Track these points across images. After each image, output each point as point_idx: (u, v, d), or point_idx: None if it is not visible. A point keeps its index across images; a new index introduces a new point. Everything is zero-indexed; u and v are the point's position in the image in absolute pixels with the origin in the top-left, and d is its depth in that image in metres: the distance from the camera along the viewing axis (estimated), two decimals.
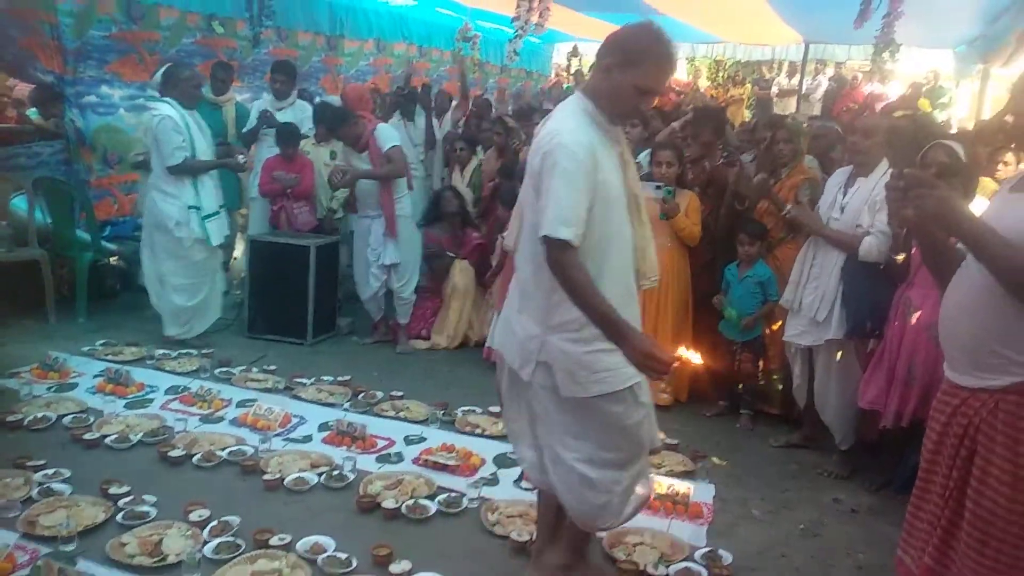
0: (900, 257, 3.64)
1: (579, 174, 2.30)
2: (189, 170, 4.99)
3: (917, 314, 3.37)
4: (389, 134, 5.25)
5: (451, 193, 5.81)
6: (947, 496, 2.10)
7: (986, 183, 4.15)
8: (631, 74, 2.35)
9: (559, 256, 2.29)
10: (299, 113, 6.10)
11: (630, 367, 2.32)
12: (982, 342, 1.99)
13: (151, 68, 6.91)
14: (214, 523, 3.05)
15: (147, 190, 5.22)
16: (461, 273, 5.70)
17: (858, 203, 3.66)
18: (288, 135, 5.72)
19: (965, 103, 11.08)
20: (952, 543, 2.09)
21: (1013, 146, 4.75)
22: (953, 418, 2.10)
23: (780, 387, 4.38)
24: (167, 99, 5.01)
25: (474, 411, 4.43)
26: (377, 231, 5.34)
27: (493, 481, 3.62)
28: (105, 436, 3.78)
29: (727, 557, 3.02)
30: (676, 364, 2.44)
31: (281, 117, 5.97)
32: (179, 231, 4.99)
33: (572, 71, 12.94)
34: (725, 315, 4.38)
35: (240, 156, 5.53)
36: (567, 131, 2.35)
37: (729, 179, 4.76)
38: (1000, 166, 4.55)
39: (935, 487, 2.16)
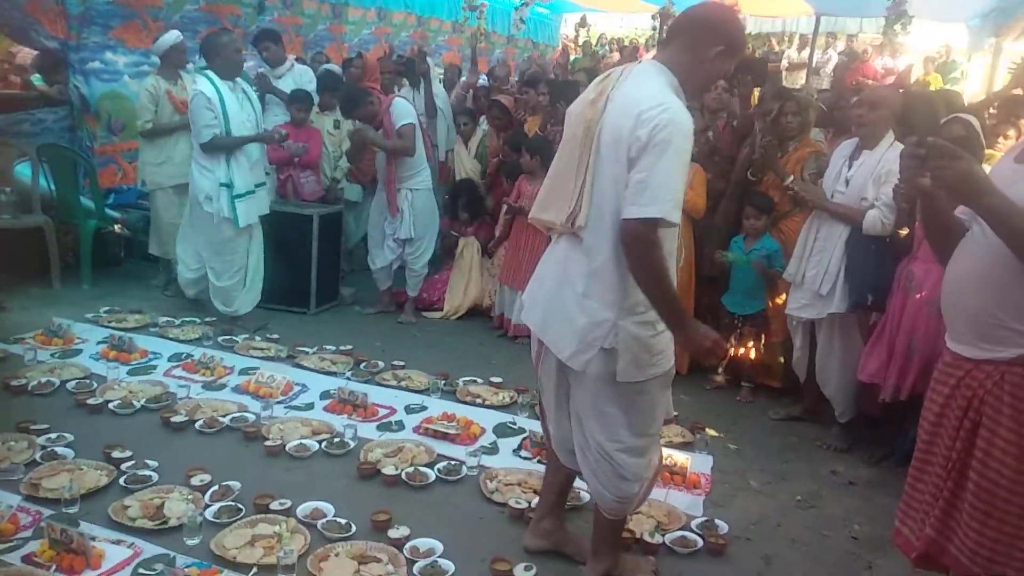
0: (903, 231, 3.62)
1: (687, 154, 2.23)
2: (220, 147, 4.77)
3: (919, 288, 3.36)
4: (404, 110, 5.21)
5: (469, 185, 5.85)
6: (950, 468, 2.11)
7: (988, 155, 4.12)
8: (728, 63, 2.37)
9: (651, 237, 2.19)
10: (300, 78, 6.02)
11: (671, 348, 2.37)
12: (989, 313, 1.99)
13: (154, 34, 6.87)
14: (215, 488, 3.08)
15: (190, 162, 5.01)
16: (468, 247, 5.74)
17: (863, 176, 3.63)
18: (302, 99, 5.68)
19: (977, 77, 10.93)
20: (954, 514, 2.11)
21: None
22: (956, 390, 2.10)
23: (782, 360, 4.37)
24: (206, 72, 4.78)
25: (475, 381, 4.44)
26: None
27: (492, 450, 3.65)
28: (108, 402, 3.81)
29: (723, 527, 3.05)
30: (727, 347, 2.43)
31: (281, 84, 5.91)
32: (208, 206, 4.83)
33: (580, 42, 12.80)
34: (731, 260, 4.37)
35: (283, 129, 5.31)
36: (677, 107, 2.21)
37: (741, 148, 4.71)
38: (1000, 139, 4.50)
39: (937, 459, 2.16)
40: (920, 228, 3.28)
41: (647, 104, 2.21)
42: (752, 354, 4.48)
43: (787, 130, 4.41)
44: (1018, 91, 5.19)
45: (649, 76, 2.32)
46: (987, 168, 2.25)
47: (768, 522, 3.20)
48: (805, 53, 11.66)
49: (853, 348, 3.76)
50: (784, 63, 12.38)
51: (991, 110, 4.93)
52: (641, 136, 2.18)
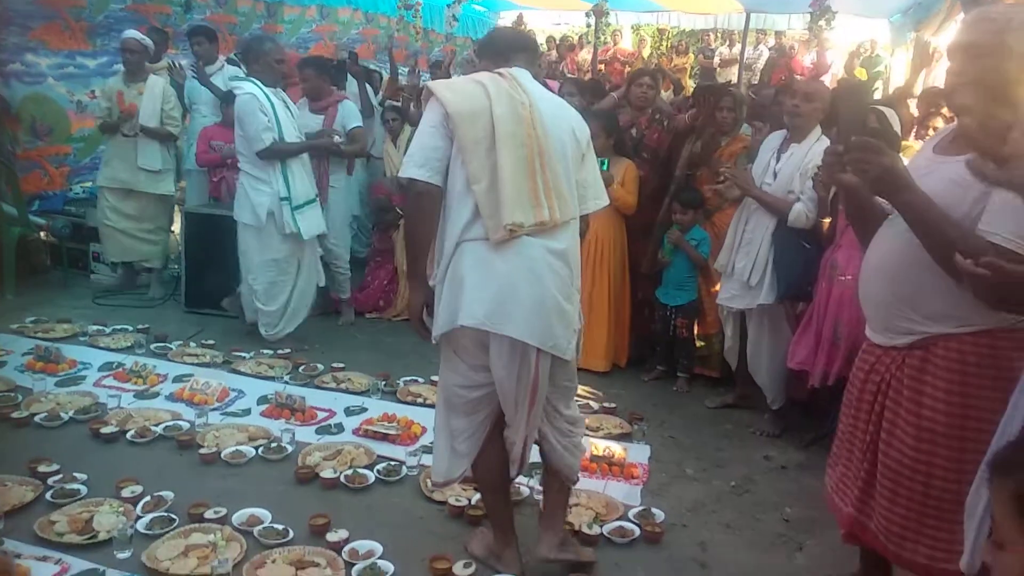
0: (826, 221, 3.74)
1: None
2: (278, 154, 4.51)
3: (843, 275, 3.47)
4: (355, 113, 5.34)
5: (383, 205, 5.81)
6: (865, 450, 2.23)
7: (914, 147, 4.28)
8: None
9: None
10: (228, 79, 5.92)
11: None
12: (894, 303, 2.11)
13: (78, 35, 6.68)
14: (147, 499, 3.01)
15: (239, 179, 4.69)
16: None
17: (791, 169, 3.73)
18: (232, 99, 5.57)
19: (900, 71, 11.32)
20: (871, 492, 2.21)
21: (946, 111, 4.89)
22: (869, 375, 2.22)
23: (718, 349, 4.47)
24: (251, 77, 4.60)
25: (416, 381, 4.44)
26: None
27: (433, 449, 3.64)
28: (34, 414, 3.69)
29: (659, 515, 3.11)
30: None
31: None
32: (269, 223, 4.53)
33: None
34: (666, 252, 4.51)
35: (336, 136, 5.01)
36: None
37: (677, 144, 4.78)
38: (931, 130, 4.69)
39: (856, 442, 2.27)
40: (843, 217, 3.40)
41: (571, 111, 2.64)
42: (685, 344, 4.57)
43: (722, 125, 4.51)
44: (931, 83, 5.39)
45: (540, 84, 2.64)
46: (905, 160, 2.35)
47: (703, 508, 3.27)
48: (736, 49, 11.89)
49: (782, 337, 3.86)
50: (716, 59, 12.63)
51: (908, 101, 5.12)
52: (582, 140, 2.57)
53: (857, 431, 2.28)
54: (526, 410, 2.49)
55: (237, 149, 4.64)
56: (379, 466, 3.40)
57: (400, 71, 7.84)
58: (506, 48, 2.67)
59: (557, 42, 13.47)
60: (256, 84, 4.53)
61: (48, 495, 3.01)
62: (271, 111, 4.47)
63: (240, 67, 6.24)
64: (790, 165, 3.74)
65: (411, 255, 2.58)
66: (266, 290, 4.68)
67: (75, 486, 3.08)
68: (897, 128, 3.70)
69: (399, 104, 6.28)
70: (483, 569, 2.71)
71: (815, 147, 3.65)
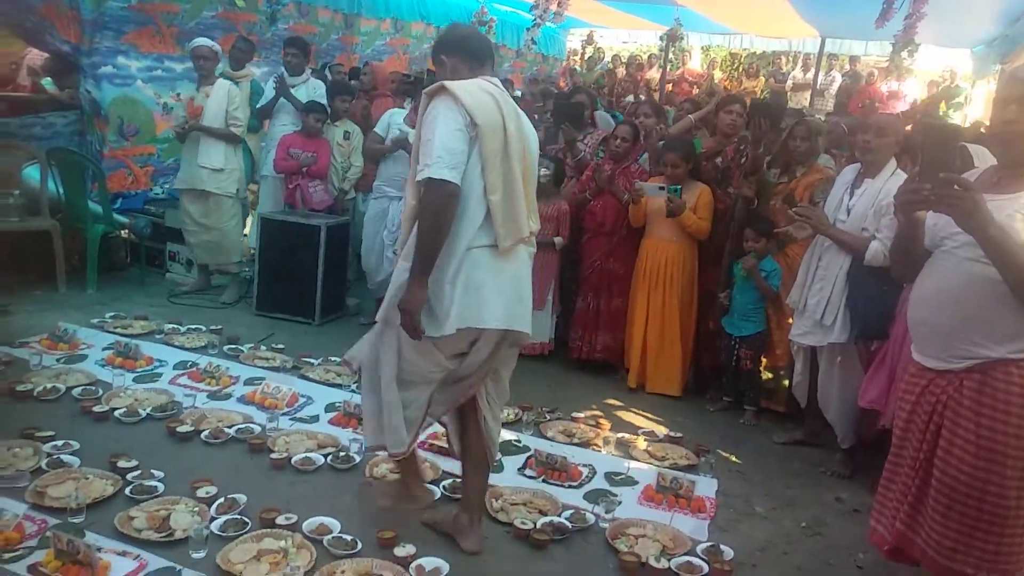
0: None
1: None
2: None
3: None
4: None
5: None
6: (917, 468, 2.37)
7: None
8: None
9: None
10: (312, 92, 6.07)
11: None
12: (963, 330, 2.23)
13: (168, 40, 6.92)
14: (221, 500, 3.08)
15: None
16: None
17: (864, 205, 3.62)
18: (319, 109, 5.72)
19: (980, 103, 11.00)
20: (921, 510, 2.37)
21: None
22: (922, 397, 2.35)
23: (785, 383, 4.38)
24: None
25: None
26: (397, 213, 5.32)
27: (497, 468, 3.60)
28: (114, 409, 3.81)
29: (728, 552, 3.05)
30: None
31: (294, 94, 5.94)
32: None
33: (586, 57, 12.87)
34: (737, 276, 4.42)
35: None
36: None
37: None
38: None
39: (906, 460, 2.41)
40: None
41: (531, 126, 2.85)
42: (751, 376, 4.48)
43: (794, 154, 4.42)
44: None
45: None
46: None
47: (774, 549, 3.20)
48: (810, 74, 11.71)
49: (853, 375, 3.76)
50: (789, 83, 12.45)
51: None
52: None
53: (906, 450, 2.42)
54: (475, 378, 2.85)
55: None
56: (445, 482, 3.41)
57: None
58: (482, 54, 2.78)
59: (625, 61, 13.45)
60: None
61: (127, 490, 3.10)
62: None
63: (325, 80, 6.38)
64: (864, 201, 3.63)
65: (428, 253, 2.56)
66: None
67: (152, 483, 3.16)
68: (983, 165, 3.58)
69: None
70: None
71: (890, 182, 3.54)
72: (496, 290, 2.65)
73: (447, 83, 2.58)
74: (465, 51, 2.74)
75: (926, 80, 11.19)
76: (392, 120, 5.24)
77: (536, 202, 2.83)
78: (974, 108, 11.12)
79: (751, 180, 4.49)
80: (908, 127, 5.53)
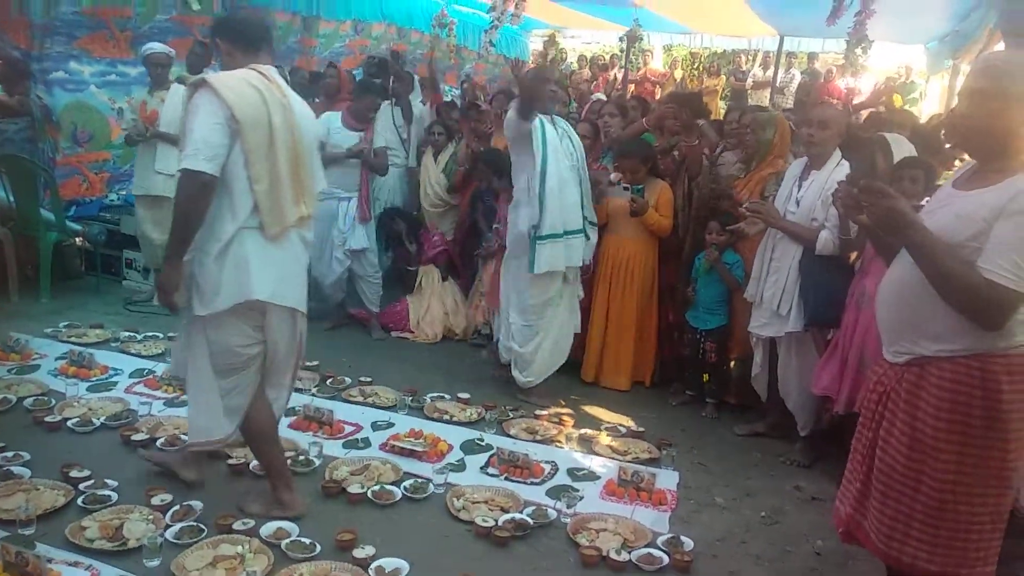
0: (853, 256, 3.69)
1: None
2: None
3: (871, 303, 3.42)
4: (383, 133, 5.53)
5: (387, 217, 5.78)
6: (864, 454, 2.45)
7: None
8: None
9: None
10: None
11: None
12: (898, 325, 2.31)
13: (121, 44, 6.81)
14: (176, 507, 3.03)
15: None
16: (426, 275, 5.75)
17: (812, 196, 3.70)
18: None
19: (935, 98, 11.24)
20: (867, 494, 2.42)
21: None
22: (876, 386, 2.42)
23: (739, 374, 4.42)
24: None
25: (443, 397, 4.43)
26: (346, 214, 5.30)
27: (460, 467, 3.64)
28: (67, 419, 3.73)
29: (688, 543, 3.07)
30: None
31: None
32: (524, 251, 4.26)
33: (549, 58, 12.90)
34: (700, 270, 4.45)
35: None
36: None
37: (703, 161, 4.77)
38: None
39: (860, 446, 2.48)
40: (870, 246, 3.37)
41: (311, 112, 3.04)
42: (716, 369, 4.52)
43: (748, 147, 4.48)
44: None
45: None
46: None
47: (733, 538, 3.22)
48: (770, 72, 11.86)
49: (810, 363, 3.80)
50: (749, 81, 12.60)
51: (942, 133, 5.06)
52: (318, 138, 3.19)
53: (861, 437, 2.47)
54: (293, 363, 3.07)
55: (513, 174, 4.38)
56: (406, 483, 3.40)
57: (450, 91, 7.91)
58: (258, 40, 2.88)
59: (589, 61, 13.51)
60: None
61: (80, 500, 3.04)
62: (542, 135, 4.18)
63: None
64: (811, 192, 3.71)
65: (181, 238, 2.75)
66: (521, 330, 4.40)
67: (106, 492, 3.11)
68: (903, 154, 3.66)
69: (447, 122, 6.26)
70: None
71: (835, 173, 3.62)
72: (263, 266, 2.81)
73: (209, 77, 2.74)
74: (240, 37, 2.86)
75: (882, 76, 11.38)
76: (330, 124, 5.20)
77: (313, 188, 2.98)
78: (929, 103, 11.37)
79: (712, 174, 4.54)
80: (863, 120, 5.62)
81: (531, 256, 4.21)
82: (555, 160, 4.20)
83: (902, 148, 3.69)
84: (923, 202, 2.89)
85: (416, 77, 6.78)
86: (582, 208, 4.38)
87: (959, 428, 2.17)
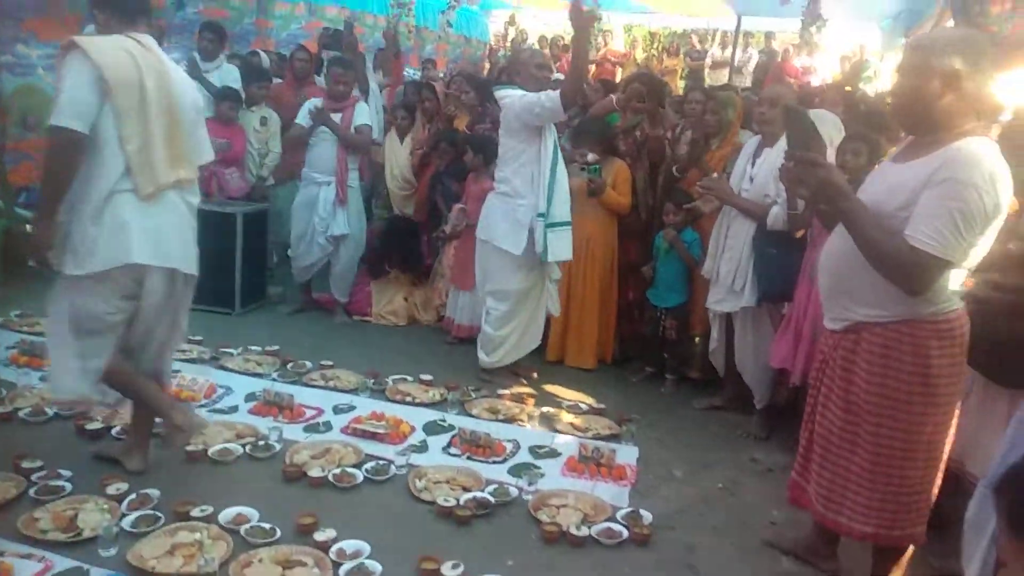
0: (800, 232, 3.75)
1: None
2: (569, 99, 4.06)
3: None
4: (365, 113, 5.35)
5: (411, 230, 5.75)
6: (807, 420, 2.59)
7: None
8: None
9: None
10: (225, 76, 5.91)
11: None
12: (835, 293, 2.41)
13: (71, 26, 6.60)
14: (132, 496, 2.98)
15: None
16: (396, 277, 5.76)
17: (765, 173, 3.75)
18: (232, 96, 5.57)
19: (888, 76, 11.39)
20: (811, 457, 2.54)
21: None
22: (818, 355, 2.54)
23: (701, 350, 4.48)
24: (512, 86, 4.30)
25: (405, 379, 4.42)
26: (327, 199, 5.24)
27: (422, 448, 3.64)
28: (18, 409, 3.65)
29: (647, 517, 3.11)
30: None
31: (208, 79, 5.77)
32: (529, 243, 4.19)
33: (509, 39, 12.84)
34: (660, 249, 4.50)
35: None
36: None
37: (665, 148, 4.82)
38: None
39: (806, 413, 2.63)
40: (818, 220, 3.43)
41: (190, 80, 3.18)
42: (676, 346, 4.58)
43: (707, 127, 4.51)
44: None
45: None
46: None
47: (691, 511, 3.28)
48: (728, 52, 11.94)
49: (765, 337, 3.88)
50: (708, 61, 12.67)
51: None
52: (197, 107, 3.12)
53: (807, 405, 2.60)
54: (169, 322, 3.10)
55: (500, 162, 4.34)
56: (367, 465, 3.39)
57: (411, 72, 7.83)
58: (135, 11, 2.92)
59: (549, 42, 13.47)
60: (524, 93, 4.17)
61: (32, 492, 2.98)
62: None
63: (238, 65, 6.19)
64: (764, 169, 3.77)
65: (51, 195, 2.79)
66: (499, 316, 4.41)
67: (59, 483, 3.05)
68: (833, 132, 3.75)
69: (409, 102, 6.19)
70: (471, 569, 2.70)
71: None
72: (142, 229, 2.85)
73: (77, 39, 2.76)
74: (118, 7, 2.90)
75: (838, 56, 11.52)
76: (312, 110, 5.14)
77: (194, 154, 3.05)
78: (883, 82, 11.53)
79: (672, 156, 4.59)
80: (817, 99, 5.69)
81: (542, 245, 4.16)
82: (557, 148, 4.22)
83: (825, 123, 3.78)
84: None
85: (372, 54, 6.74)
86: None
87: (891, 392, 2.27)
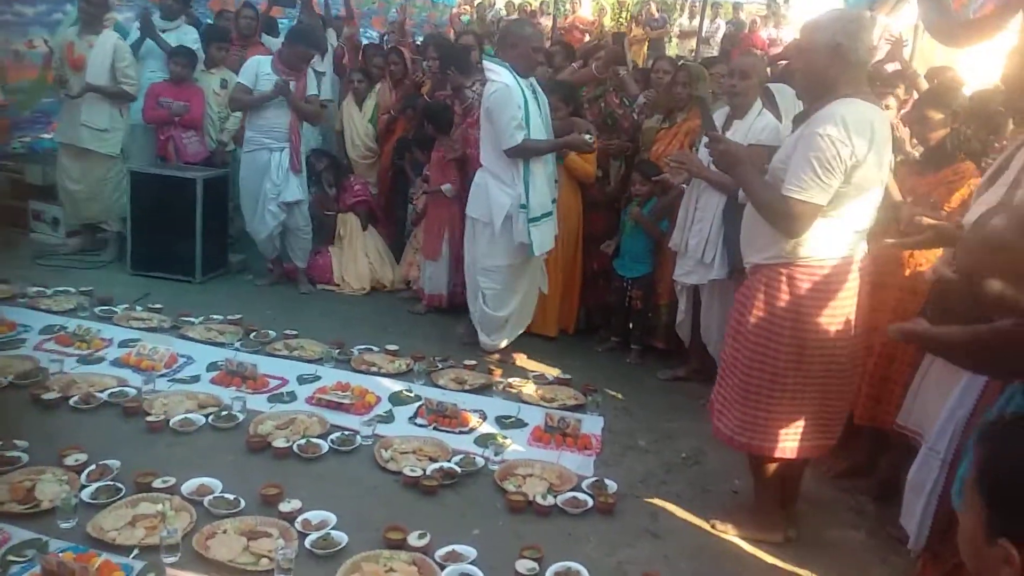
0: None
1: None
2: (526, 153, 4.05)
3: None
4: (314, 83, 5.27)
5: (313, 156, 5.61)
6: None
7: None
8: None
9: None
10: (183, 37, 5.73)
11: None
12: (744, 241, 2.80)
13: None
14: (92, 467, 2.94)
15: (480, 175, 4.26)
16: (344, 224, 5.62)
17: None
18: (184, 54, 5.40)
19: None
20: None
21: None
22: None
23: (666, 320, 4.51)
24: (503, 62, 4.09)
25: (371, 349, 4.39)
26: (279, 165, 5.12)
27: (388, 418, 3.63)
28: None
29: (612, 486, 3.15)
30: None
31: (163, 38, 5.60)
32: (504, 228, 4.14)
33: (475, 3, 12.64)
34: (626, 223, 4.53)
35: (587, 135, 4.23)
36: None
37: (632, 118, 4.81)
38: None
39: None
40: None
41: None
42: (641, 316, 4.60)
43: (676, 99, 4.50)
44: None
45: None
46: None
47: (654, 479, 3.33)
48: (696, 22, 11.89)
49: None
50: (676, 30, 12.63)
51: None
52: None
53: None
54: None
55: (482, 143, 4.23)
56: (333, 436, 3.37)
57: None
58: None
59: (517, 8, 13.30)
60: (512, 74, 4.04)
61: None
62: (524, 106, 4.01)
63: (197, 29, 5.99)
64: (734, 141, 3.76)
65: None
66: (496, 295, 4.33)
67: (15, 453, 2.99)
68: (790, 104, 3.89)
69: (365, 67, 6.07)
70: (437, 538, 2.71)
71: (756, 122, 3.69)
72: None
73: None
74: None
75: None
76: (260, 69, 5.01)
77: None
78: None
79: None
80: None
81: (527, 239, 4.10)
82: (536, 136, 4.09)
83: (784, 96, 3.82)
84: None
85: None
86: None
87: (767, 321, 2.63)
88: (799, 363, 2.61)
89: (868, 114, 2.46)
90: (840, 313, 2.60)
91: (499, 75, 4.02)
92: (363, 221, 5.64)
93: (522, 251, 4.21)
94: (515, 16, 12.80)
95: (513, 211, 4.11)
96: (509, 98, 3.97)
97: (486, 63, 4.23)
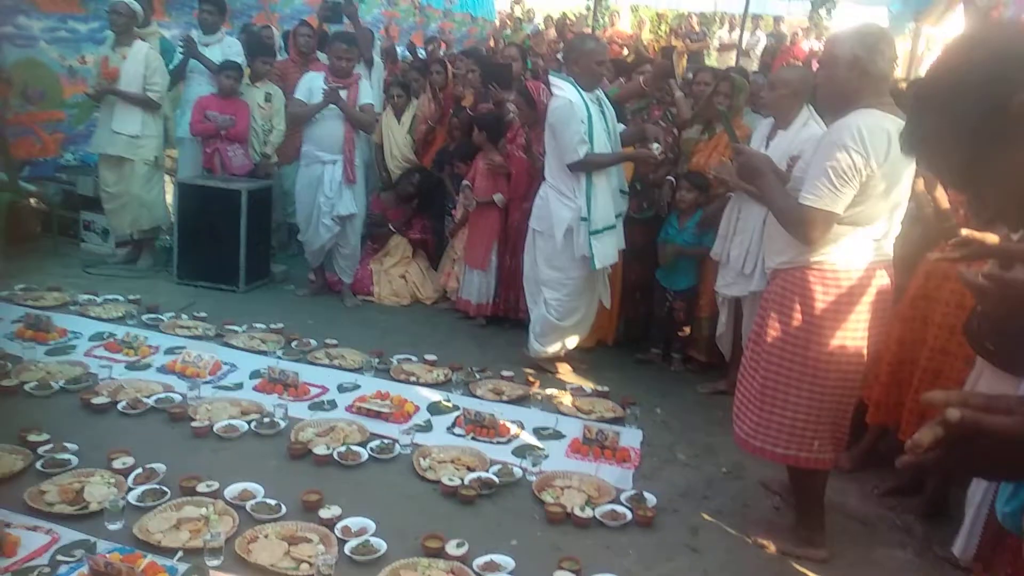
0: None
1: None
2: (589, 166, 4.03)
3: None
4: (368, 92, 5.32)
5: (418, 177, 5.67)
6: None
7: None
8: None
9: None
10: (228, 50, 5.85)
11: None
12: (767, 247, 2.91)
13: None
14: (139, 471, 3.00)
15: (543, 187, 4.25)
16: (395, 246, 5.69)
17: (778, 156, 3.67)
18: (233, 67, 5.53)
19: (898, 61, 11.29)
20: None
21: None
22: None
23: (707, 333, 4.48)
24: (567, 77, 4.11)
25: (410, 359, 4.42)
26: (333, 178, 5.18)
27: (426, 428, 3.65)
28: (24, 383, 3.66)
29: (651, 499, 3.13)
30: None
31: (208, 54, 5.73)
32: (566, 241, 4.12)
33: (515, 17, 12.74)
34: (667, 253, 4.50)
35: (655, 145, 4.30)
36: None
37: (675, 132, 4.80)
38: None
39: None
40: None
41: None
42: (683, 328, 4.57)
43: (709, 110, 4.48)
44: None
45: None
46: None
47: (695, 494, 3.29)
48: (735, 35, 11.84)
49: None
50: (716, 43, 12.58)
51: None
52: None
53: None
54: None
55: (547, 157, 4.24)
56: (372, 444, 3.40)
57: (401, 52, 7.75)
58: None
59: (556, 22, 13.36)
60: (576, 88, 4.04)
61: (38, 465, 3.00)
62: (587, 120, 4.01)
63: (240, 41, 6.13)
64: (777, 153, 3.69)
65: None
66: (561, 304, 4.29)
67: (65, 456, 3.06)
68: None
69: (405, 81, 6.15)
70: (475, 548, 2.71)
71: (801, 132, 3.65)
72: None
73: None
74: None
75: None
76: (313, 84, 5.11)
77: None
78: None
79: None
80: None
81: (588, 252, 4.07)
82: (601, 149, 4.07)
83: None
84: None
85: (374, 33, 6.67)
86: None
87: (782, 325, 2.67)
88: (815, 370, 2.64)
89: (885, 124, 2.46)
90: (855, 320, 2.62)
91: (563, 90, 4.02)
92: (414, 249, 5.72)
93: (584, 264, 4.18)
94: (551, 30, 12.87)
95: (574, 224, 4.08)
96: (572, 113, 3.96)
97: (551, 78, 4.24)
